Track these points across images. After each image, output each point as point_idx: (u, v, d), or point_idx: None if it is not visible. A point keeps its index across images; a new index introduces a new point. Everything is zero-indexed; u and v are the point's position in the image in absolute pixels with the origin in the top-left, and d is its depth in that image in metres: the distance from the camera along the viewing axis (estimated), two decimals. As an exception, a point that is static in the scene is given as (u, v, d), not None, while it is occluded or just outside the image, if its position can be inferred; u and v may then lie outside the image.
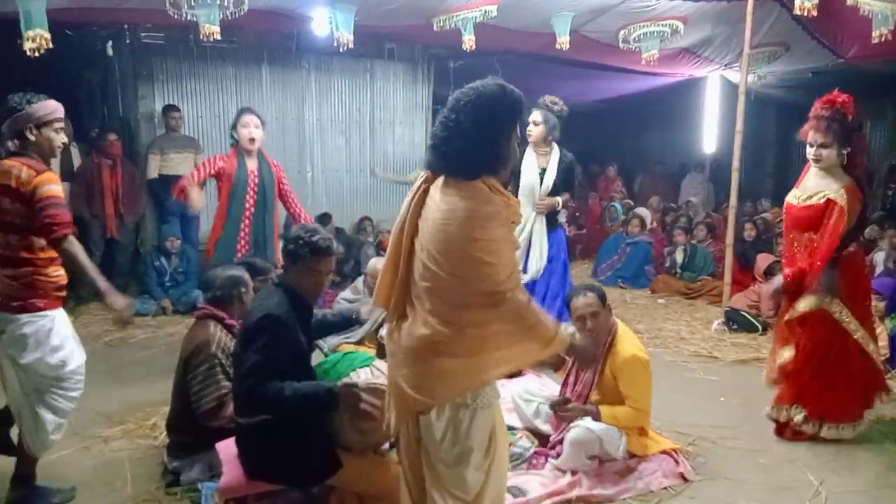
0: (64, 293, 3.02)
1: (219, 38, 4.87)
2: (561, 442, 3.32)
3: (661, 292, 7.52)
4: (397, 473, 2.47)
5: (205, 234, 5.61)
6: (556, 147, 4.90)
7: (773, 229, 7.78)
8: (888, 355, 4.79)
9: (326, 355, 4.07)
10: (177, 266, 6.52)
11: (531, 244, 4.84)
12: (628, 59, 7.55)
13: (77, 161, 6.73)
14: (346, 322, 3.30)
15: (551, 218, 4.94)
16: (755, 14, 5.91)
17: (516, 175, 4.74)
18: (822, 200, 3.70)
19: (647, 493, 3.19)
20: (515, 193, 4.72)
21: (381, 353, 3.73)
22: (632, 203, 10.04)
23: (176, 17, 4.86)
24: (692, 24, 6.63)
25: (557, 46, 6.22)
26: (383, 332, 2.82)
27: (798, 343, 3.82)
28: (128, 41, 6.95)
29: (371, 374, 3.65)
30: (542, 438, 3.57)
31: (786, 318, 3.87)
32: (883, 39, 5.43)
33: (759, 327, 5.87)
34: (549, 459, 3.39)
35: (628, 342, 3.36)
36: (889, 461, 3.59)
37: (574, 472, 3.24)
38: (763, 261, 6.47)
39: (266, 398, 2.55)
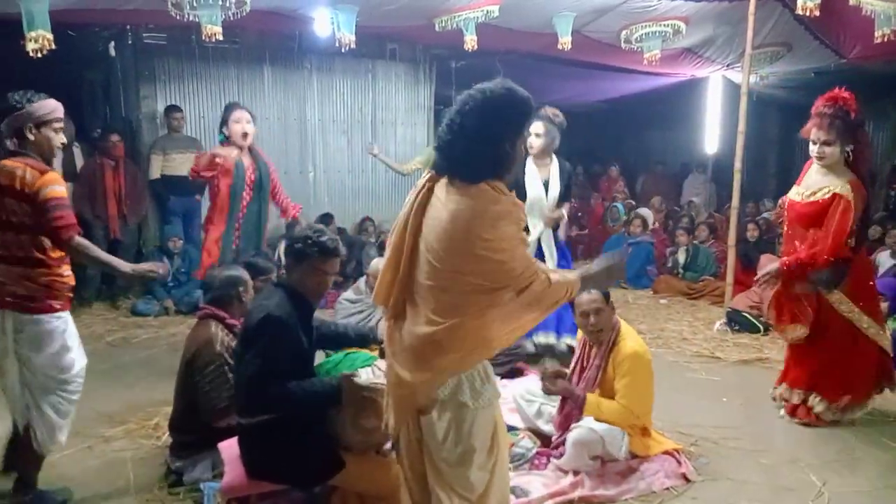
0: (72, 294, 3.03)
1: (221, 38, 4.87)
2: (563, 442, 3.32)
3: (663, 293, 7.52)
4: (399, 473, 2.46)
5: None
6: (555, 157, 4.90)
7: (775, 229, 7.74)
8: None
9: (328, 355, 4.07)
10: (179, 266, 6.53)
11: (544, 258, 4.77)
12: (630, 59, 7.55)
13: (79, 162, 6.73)
14: (364, 340, 3.26)
15: (554, 230, 4.93)
16: (757, 14, 5.91)
17: (520, 187, 4.63)
18: (828, 195, 3.71)
19: (649, 494, 3.18)
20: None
21: (384, 354, 3.72)
22: (634, 203, 10.04)
23: (178, 17, 4.88)
24: (694, 24, 6.63)
25: (559, 46, 6.22)
26: (381, 327, 2.81)
27: (809, 322, 3.84)
28: (130, 42, 6.96)
29: (372, 373, 3.63)
30: (544, 439, 3.56)
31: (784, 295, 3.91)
32: (885, 39, 5.42)
33: (761, 328, 5.85)
34: (552, 460, 3.39)
35: (631, 340, 3.36)
36: (892, 461, 3.58)
37: (576, 473, 3.24)
38: (766, 261, 6.41)
39: (270, 399, 2.55)
